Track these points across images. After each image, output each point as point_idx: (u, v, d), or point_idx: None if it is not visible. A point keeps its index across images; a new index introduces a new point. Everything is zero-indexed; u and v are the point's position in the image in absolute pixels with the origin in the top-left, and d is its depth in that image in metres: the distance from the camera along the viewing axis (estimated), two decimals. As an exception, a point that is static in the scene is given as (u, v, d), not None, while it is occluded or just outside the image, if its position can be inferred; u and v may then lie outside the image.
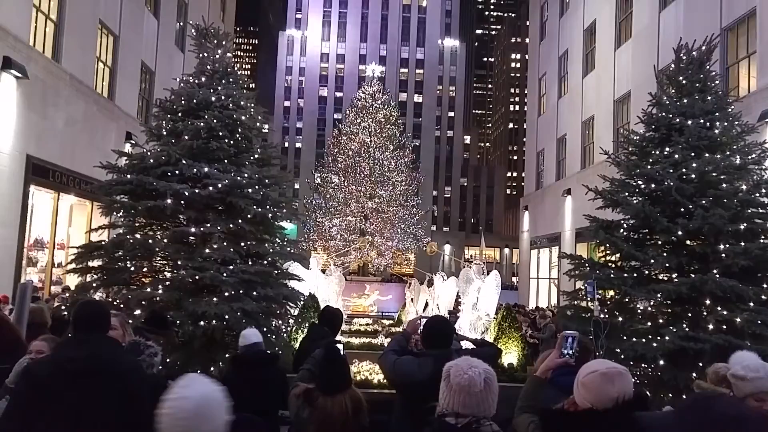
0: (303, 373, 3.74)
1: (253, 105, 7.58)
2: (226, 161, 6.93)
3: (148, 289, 6.27)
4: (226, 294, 6.26)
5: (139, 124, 14.41)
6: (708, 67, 7.13)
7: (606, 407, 2.19)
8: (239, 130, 7.22)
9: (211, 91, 7.17)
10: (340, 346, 4.02)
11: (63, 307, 6.89)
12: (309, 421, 3.19)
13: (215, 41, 7.58)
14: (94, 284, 6.62)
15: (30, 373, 2.78)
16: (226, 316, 6.06)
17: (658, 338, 5.93)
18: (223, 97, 7.10)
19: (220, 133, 6.88)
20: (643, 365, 6.09)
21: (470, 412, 2.10)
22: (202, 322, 6.09)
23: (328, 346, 3.62)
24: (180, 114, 7.10)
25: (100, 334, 2.94)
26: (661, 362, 5.85)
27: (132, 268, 6.61)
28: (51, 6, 12.99)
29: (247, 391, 3.96)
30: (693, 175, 6.40)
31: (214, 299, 6.15)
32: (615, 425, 2.18)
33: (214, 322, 6.09)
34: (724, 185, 6.28)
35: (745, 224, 6.12)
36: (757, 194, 6.36)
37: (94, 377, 2.73)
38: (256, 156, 7.40)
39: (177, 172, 6.61)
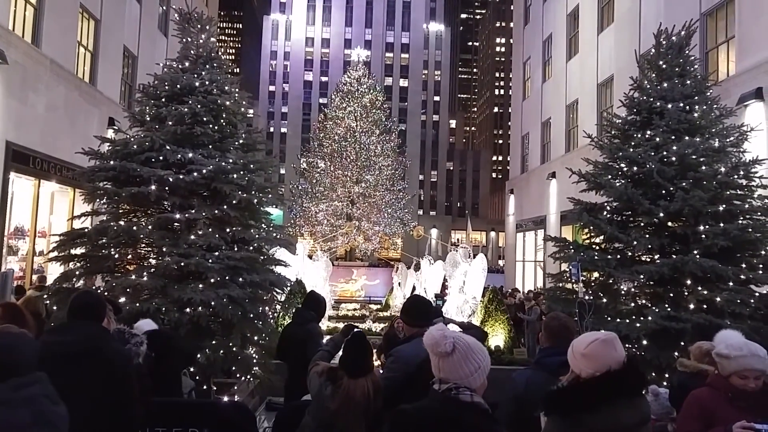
0: (322, 354, 3.94)
1: (237, 90, 7.51)
2: (210, 147, 6.87)
3: (133, 277, 6.23)
4: (212, 280, 6.23)
5: (122, 109, 14.16)
6: (687, 51, 7.21)
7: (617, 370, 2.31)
8: (223, 115, 7.16)
9: (195, 76, 7.08)
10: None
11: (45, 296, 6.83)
12: (331, 399, 3.31)
13: (199, 26, 7.49)
14: (77, 272, 6.56)
15: None
16: (212, 303, 6.05)
17: (641, 318, 6.05)
18: (207, 82, 7.02)
19: (204, 119, 6.81)
20: (626, 345, 6.22)
21: (449, 377, 2.16)
22: (187, 309, 6.07)
23: (353, 331, 3.75)
24: (163, 99, 7.01)
25: (91, 321, 2.98)
26: (644, 342, 5.97)
27: (116, 256, 6.55)
28: (31, -10, 12.68)
29: None
30: (673, 158, 6.50)
31: (200, 286, 6.13)
32: (635, 382, 2.34)
33: (200, 308, 6.07)
34: (704, 168, 6.39)
35: (724, 206, 6.24)
36: (735, 176, 6.48)
37: (81, 360, 2.77)
38: (241, 141, 7.34)
39: (161, 158, 6.53)
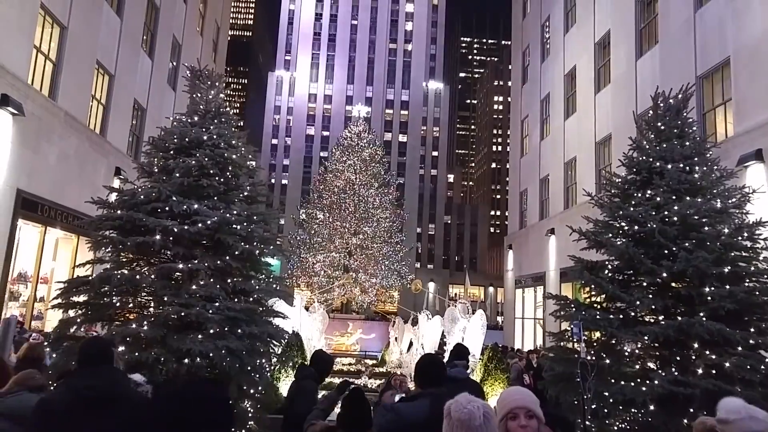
0: (316, 413, 3.90)
1: (243, 144, 7.67)
2: (215, 198, 6.96)
3: (133, 325, 6.16)
4: (211, 331, 6.17)
5: (130, 160, 14.51)
6: (685, 113, 7.32)
7: None
8: (229, 168, 7.29)
9: (203, 130, 7.26)
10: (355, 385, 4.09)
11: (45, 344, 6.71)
12: None
13: (208, 82, 7.75)
14: (78, 320, 6.48)
15: (46, 404, 2.80)
16: (211, 354, 5.95)
17: (647, 382, 5.82)
18: (214, 136, 7.19)
19: (211, 171, 6.94)
20: (632, 410, 5.95)
21: None
22: (186, 360, 5.97)
23: (350, 387, 3.74)
24: (172, 152, 7.16)
25: (109, 365, 3.01)
26: (651, 407, 5.71)
27: (117, 304, 6.51)
28: (51, 47, 13.30)
29: None
30: (675, 218, 6.45)
31: (199, 336, 6.06)
32: None
33: (198, 360, 5.97)
34: (707, 228, 6.33)
35: (728, 267, 6.13)
36: (739, 237, 6.39)
37: (111, 405, 2.79)
38: (246, 193, 7.44)
39: (167, 208, 6.60)
